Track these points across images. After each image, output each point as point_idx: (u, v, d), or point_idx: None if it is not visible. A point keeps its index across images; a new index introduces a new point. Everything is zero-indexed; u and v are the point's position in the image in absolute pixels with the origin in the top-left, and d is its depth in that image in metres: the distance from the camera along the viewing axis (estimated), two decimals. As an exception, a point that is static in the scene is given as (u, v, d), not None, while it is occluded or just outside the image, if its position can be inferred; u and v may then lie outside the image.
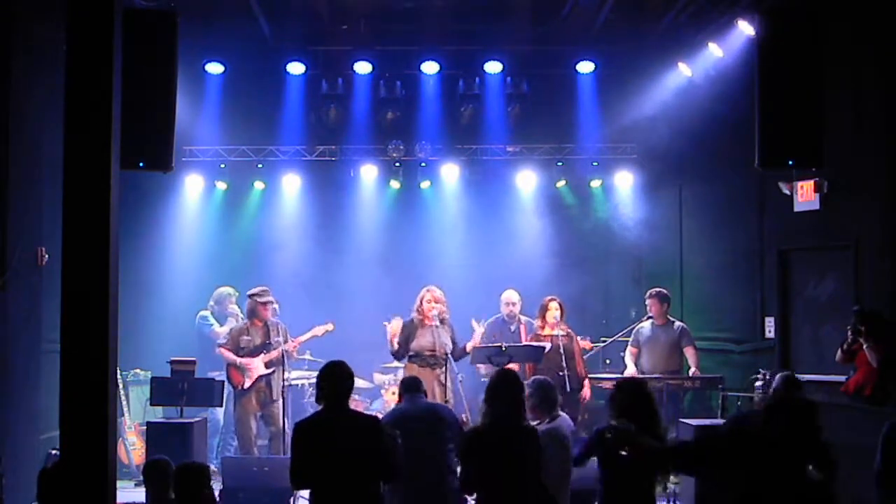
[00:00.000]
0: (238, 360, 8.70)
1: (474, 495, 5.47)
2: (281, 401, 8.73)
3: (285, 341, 8.71)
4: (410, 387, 6.41)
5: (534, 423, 6.00)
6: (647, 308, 9.14)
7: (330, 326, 8.99)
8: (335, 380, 5.18)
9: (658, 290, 9.20)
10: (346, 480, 4.99)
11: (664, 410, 8.12)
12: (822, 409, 4.69)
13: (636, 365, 9.16)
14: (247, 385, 8.66)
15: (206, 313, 9.82)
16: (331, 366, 5.26)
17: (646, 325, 9.21)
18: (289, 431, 9.03)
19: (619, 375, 8.85)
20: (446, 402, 7.87)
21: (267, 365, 8.70)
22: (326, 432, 5.06)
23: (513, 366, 7.79)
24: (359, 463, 5.01)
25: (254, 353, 8.73)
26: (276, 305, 8.90)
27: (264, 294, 8.80)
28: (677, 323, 9.20)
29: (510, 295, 9.25)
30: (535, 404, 6.24)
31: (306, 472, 5.05)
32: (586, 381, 8.69)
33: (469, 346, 8.37)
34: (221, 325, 9.62)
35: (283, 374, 8.66)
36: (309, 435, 5.09)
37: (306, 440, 5.07)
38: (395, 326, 8.33)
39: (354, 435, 5.06)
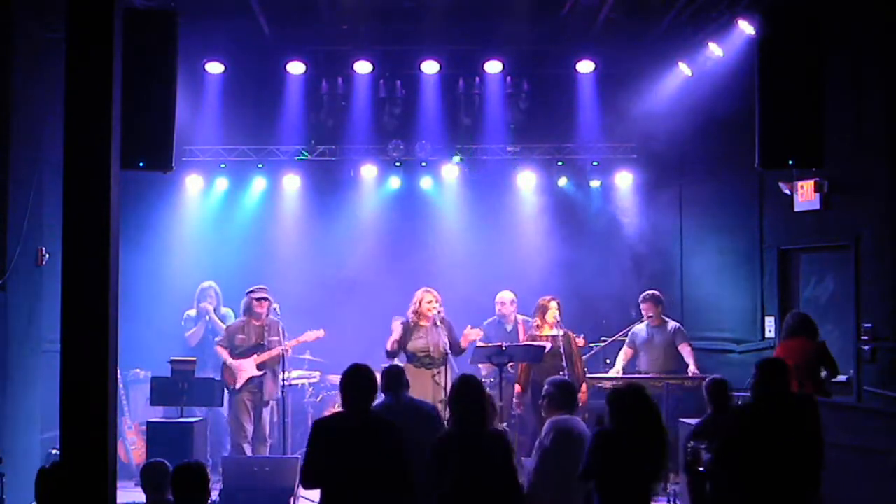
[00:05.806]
0: (229, 360, 8.68)
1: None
2: (274, 403, 8.73)
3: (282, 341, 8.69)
4: (395, 382, 6.09)
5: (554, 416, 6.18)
6: (643, 312, 9.16)
7: (321, 333, 8.92)
8: (356, 382, 5.06)
9: (650, 293, 9.22)
10: (361, 487, 4.86)
11: (664, 410, 8.19)
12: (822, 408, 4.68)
13: (634, 366, 9.20)
14: (238, 385, 8.64)
15: (190, 314, 9.79)
16: (352, 369, 5.12)
17: (641, 327, 9.24)
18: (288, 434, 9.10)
19: (620, 376, 8.86)
20: (441, 401, 7.80)
21: (259, 367, 8.66)
22: (345, 434, 4.94)
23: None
24: (375, 470, 4.88)
25: (247, 353, 8.69)
26: (275, 305, 8.89)
27: (260, 291, 8.80)
28: (672, 323, 9.23)
29: (503, 295, 9.29)
30: (555, 402, 6.29)
31: (319, 473, 4.93)
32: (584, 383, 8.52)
33: (464, 343, 8.34)
34: (195, 326, 9.59)
35: (282, 374, 8.63)
36: (326, 434, 4.97)
37: (323, 439, 4.95)
38: (397, 329, 8.34)
39: (374, 440, 4.93)
